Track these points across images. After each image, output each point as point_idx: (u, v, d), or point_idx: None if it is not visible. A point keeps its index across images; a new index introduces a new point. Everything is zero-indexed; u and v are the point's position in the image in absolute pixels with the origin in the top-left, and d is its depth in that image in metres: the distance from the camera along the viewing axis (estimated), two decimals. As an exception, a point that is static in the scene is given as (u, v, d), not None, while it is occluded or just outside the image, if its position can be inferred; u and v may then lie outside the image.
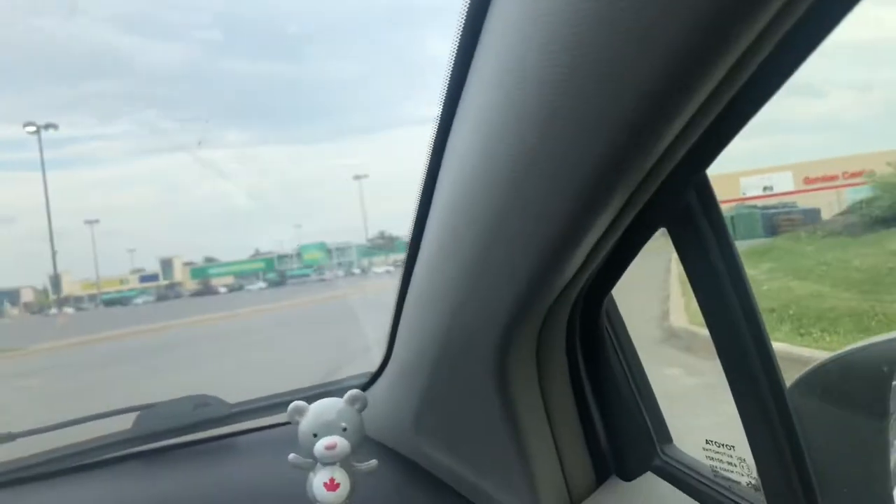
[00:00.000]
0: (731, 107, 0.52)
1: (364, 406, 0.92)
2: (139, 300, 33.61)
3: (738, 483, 0.76)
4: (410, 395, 1.03)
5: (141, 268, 38.02)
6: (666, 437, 0.91)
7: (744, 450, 0.72)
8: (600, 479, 0.93)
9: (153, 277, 37.93)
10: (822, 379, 0.68)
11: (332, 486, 0.88)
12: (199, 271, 39.42)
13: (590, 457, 0.93)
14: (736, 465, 0.75)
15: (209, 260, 39.78)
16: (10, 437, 1.18)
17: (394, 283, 1.03)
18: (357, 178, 33.37)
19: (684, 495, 0.83)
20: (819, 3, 0.43)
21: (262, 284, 33.90)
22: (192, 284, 38.17)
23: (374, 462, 0.93)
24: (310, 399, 0.97)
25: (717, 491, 0.79)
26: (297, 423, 0.91)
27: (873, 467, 0.63)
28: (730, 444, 0.76)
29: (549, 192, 0.62)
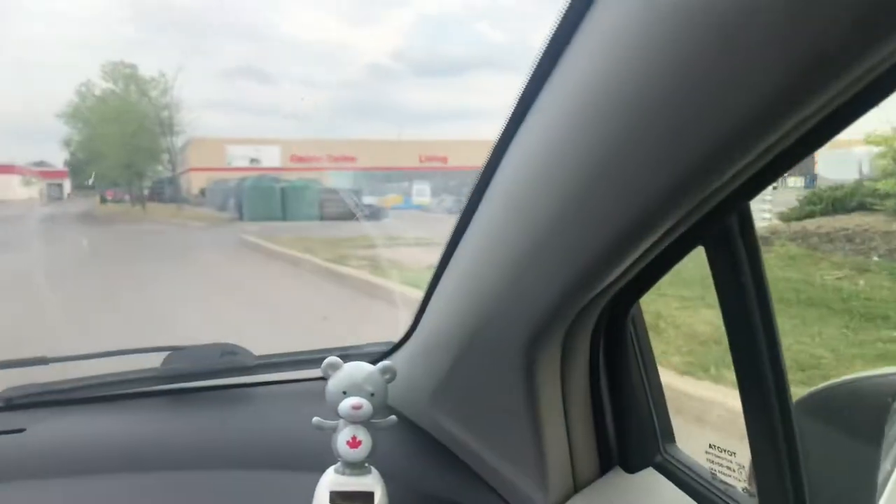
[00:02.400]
0: (800, 141, 0.56)
1: (392, 378, 0.97)
2: None
3: (734, 487, 0.82)
4: (432, 369, 1.07)
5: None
6: (670, 438, 0.98)
7: (743, 457, 0.79)
8: (604, 468, 0.99)
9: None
10: (829, 399, 0.73)
11: (354, 443, 0.93)
12: None
13: (597, 447, 0.99)
14: (734, 471, 0.82)
15: None
16: (44, 361, 1.22)
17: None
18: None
19: (681, 492, 0.90)
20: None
21: None
22: None
23: (393, 418, 0.99)
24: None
25: (712, 492, 0.85)
26: (328, 377, 0.97)
27: (862, 484, 0.69)
28: (731, 451, 0.83)
29: (611, 208, 0.65)
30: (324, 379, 1.00)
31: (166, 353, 1.26)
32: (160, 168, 37.33)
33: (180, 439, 1.17)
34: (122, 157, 29.03)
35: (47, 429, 1.14)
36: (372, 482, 0.94)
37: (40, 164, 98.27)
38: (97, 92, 28.32)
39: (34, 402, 1.20)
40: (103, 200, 61.04)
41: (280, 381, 1.35)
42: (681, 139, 0.56)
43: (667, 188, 0.60)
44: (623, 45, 0.58)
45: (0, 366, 1.22)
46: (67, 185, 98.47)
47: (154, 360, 1.27)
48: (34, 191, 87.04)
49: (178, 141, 29.14)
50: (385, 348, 1.27)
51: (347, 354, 1.13)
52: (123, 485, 1.03)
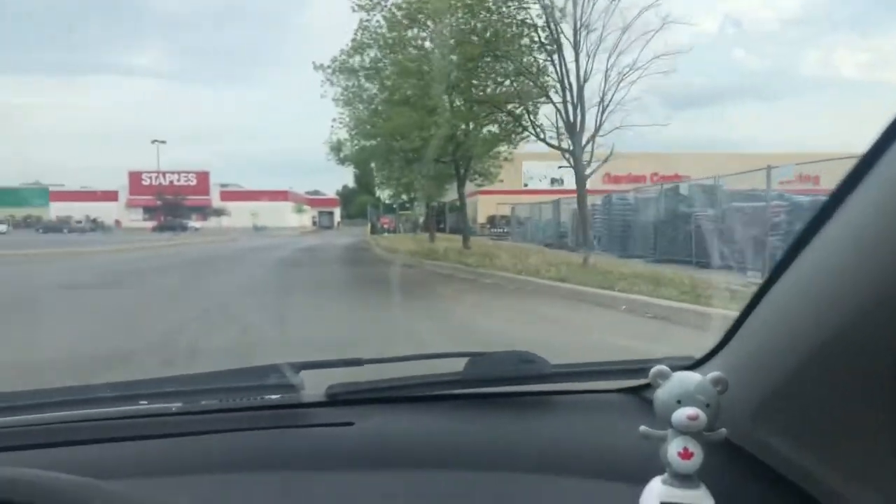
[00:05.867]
0: None
1: (724, 390, 0.92)
2: None
3: None
4: (759, 384, 0.98)
5: None
6: None
7: None
8: None
9: None
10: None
11: (686, 454, 0.89)
12: None
13: None
14: None
15: None
16: (359, 362, 1.33)
17: None
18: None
19: None
20: None
21: None
22: None
23: (723, 431, 0.93)
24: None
25: None
26: (657, 386, 0.93)
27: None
28: None
29: None
30: (620, 392, 1.29)
31: (467, 358, 1.30)
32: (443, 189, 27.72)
33: (486, 441, 1.17)
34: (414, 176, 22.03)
35: (373, 424, 1.20)
36: (703, 496, 0.90)
37: (314, 192, 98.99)
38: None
39: (357, 398, 1.27)
40: (375, 230, 55.77)
41: (576, 392, 1.36)
42: None
43: None
44: None
45: (322, 366, 1.31)
46: (337, 214, 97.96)
47: (455, 365, 1.29)
48: (306, 218, 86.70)
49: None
50: (686, 363, 1.20)
51: (645, 368, 1.05)
52: (442, 479, 1.06)
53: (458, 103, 16.79)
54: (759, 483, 0.99)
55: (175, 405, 1.21)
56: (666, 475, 0.92)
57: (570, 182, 38.47)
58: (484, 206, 42.67)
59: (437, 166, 20.01)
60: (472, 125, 17.45)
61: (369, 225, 57.77)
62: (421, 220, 55.00)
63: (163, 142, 53.02)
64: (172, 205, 54.25)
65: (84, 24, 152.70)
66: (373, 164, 26.59)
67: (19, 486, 0.63)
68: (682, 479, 0.90)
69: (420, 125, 16.46)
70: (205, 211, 68.82)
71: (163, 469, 1.03)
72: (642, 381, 1.26)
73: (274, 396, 1.24)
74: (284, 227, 69.20)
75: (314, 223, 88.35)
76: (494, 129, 17.42)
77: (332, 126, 21.46)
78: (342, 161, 26.12)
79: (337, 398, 1.25)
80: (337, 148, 26.24)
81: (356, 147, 22.41)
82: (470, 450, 1.14)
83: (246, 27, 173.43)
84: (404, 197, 33.46)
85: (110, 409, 1.18)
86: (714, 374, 0.93)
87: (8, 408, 1.16)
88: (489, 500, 1.03)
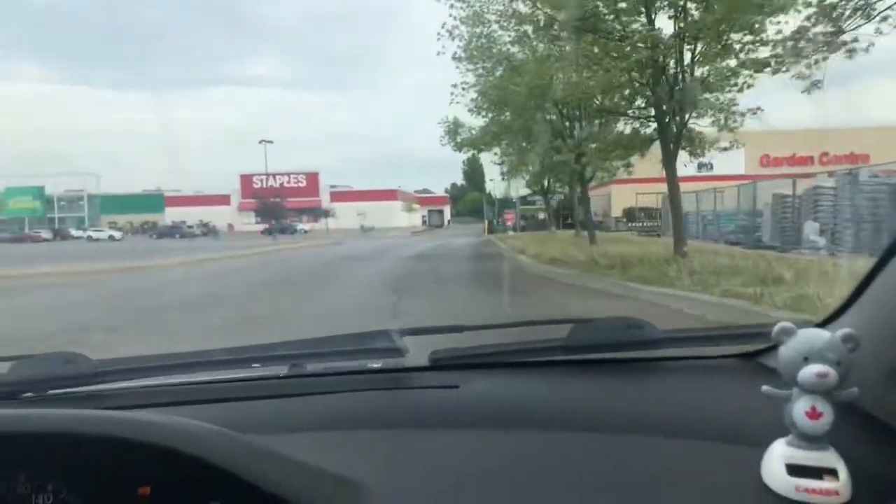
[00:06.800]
0: None
1: (856, 348, 0.85)
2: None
3: None
4: (893, 343, 0.95)
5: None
6: None
7: None
8: None
9: None
10: None
11: (814, 414, 0.84)
12: None
13: None
14: None
15: None
16: (460, 329, 1.34)
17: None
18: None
19: None
20: None
21: None
22: None
23: (854, 390, 0.86)
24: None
25: None
26: (781, 343, 0.88)
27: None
28: None
29: None
30: (734, 357, 1.27)
31: (571, 325, 1.28)
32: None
33: (595, 403, 1.13)
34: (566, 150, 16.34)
35: (476, 387, 1.20)
36: (833, 458, 0.84)
37: (423, 191, 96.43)
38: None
39: (460, 363, 1.28)
40: (493, 229, 51.06)
41: (687, 357, 1.33)
42: None
43: None
44: None
45: (426, 332, 1.33)
46: (447, 212, 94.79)
47: (556, 332, 1.27)
48: (415, 217, 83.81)
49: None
50: (809, 324, 1.10)
51: (761, 333, 1.10)
52: (554, 439, 1.02)
53: (681, 25, 10.61)
54: (891, 450, 0.93)
55: (282, 369, 1.29)
56: (791, 437, 0.86)
57: (720, 167, 31.84)
58: (619, 197, 37.00)
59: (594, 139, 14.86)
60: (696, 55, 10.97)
61: (486, 222, 52.86)
62: (541, 215, 49.73)
63: (270, 141, 51.52)
64: (273, 207, 52.04)
65: (205, 38, 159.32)
66: (496, 150, 21.92)
67: (184, 435, 0.74)
68: (810, 441, 0.85)
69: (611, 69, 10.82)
70: (315, 212, 67.25)
71: (274, 427, 1.03)
72: (758, 347, 1.26)
73: (377, 363, 1.30)
74: (393, 226, 66.47)
75: (423, 222, 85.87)
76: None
77: (453, 95, 16.93)
78: (458, 146, 21.76)
79: (440, 363, 1.27)
80: (453, 130, 21.82)
81: (486, 116, 17.71)
82: (579, 412, 1.10)
83: (356, 31, 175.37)
84: (537, 185, 28.54)
85: (226, 373, 1.30)
86: (845, 330, 0.86)
87: (139, 369, 1.25)
88: (603, 461, 0.96)
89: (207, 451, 0.72)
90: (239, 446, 0.75)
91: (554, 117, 16.39)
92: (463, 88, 16.58)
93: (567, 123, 16.67)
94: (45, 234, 59.33)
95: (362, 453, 0.96)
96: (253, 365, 1.28)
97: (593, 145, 14.36)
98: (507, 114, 16.34)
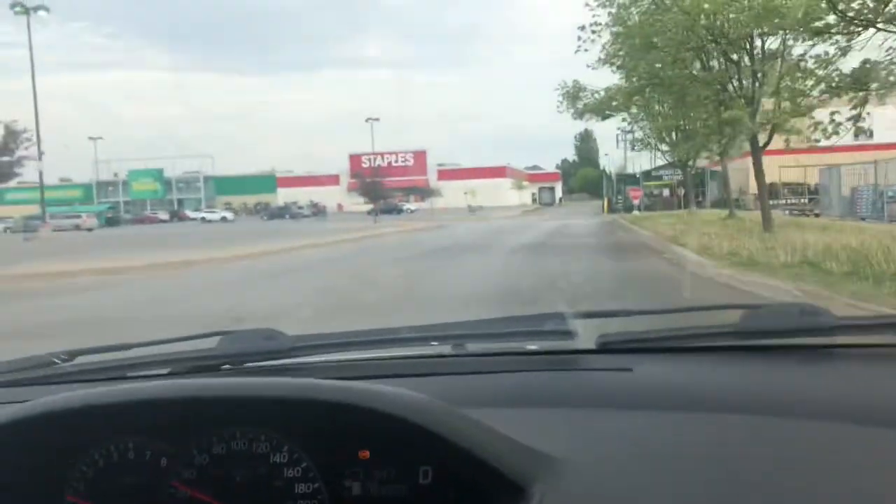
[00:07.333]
0: None
1: None
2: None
3: None
4: None
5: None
6: None
7: None
8: None
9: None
10: None
11: None
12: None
13: None
14: None
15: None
16: (629, 313, 1.39)
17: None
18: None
19: None
20: None
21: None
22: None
23: None
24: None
25: None
26: None
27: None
28: None
29: None
30: None
31: (739, 310, 1.27)
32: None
33: (774, 388, 1.10)
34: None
35: (650, 370, 1.19)
36: None
37: (533, 168, 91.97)
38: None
39: (630, 347, 1.28)
40: (612, 207, 46.82)
41: (868, 345, 1.29)
42: None
43: None
44: None
45: (591, 316, 1.37)
46: (558, 190, 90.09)
47: (724, 318, 1.27)
48: (525, 195, 79.67)
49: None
50: None
51: None
52: (735, 421, 0.99)
53: None
54: None
55: (456, 348, 1.32)
56: None
57: (881, 134, 26.22)
58: (770, 171, 32.12)
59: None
60: None
61: (605, 200, 48.67)
62: (665, 192, 45.01)
63: (376, 119, 50.21)
64: (372, 187, 50.25)
65: (318, 21, 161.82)
66: (631, 111, 18.37)
67: (411, 404, 0.79)
68: None
69: None
70: (422, 192, 65.43)
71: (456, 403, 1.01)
72: None
73: (534, 345, 1.33)
74: (502, 205, 63.50)
75: (534, 199, 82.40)
76: None
77: (580, 41, 13.66)
78: (580, 113, 18.47)
79: (609, 346, 1.26)
80: (573, 95, 18.50)
81: (621, 68, 14.28)
82: (759, 397, 1.07)
83: (467, 8, 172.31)
84: (684, 153, 24.43)
85: (403, 350, 1.37)
86: None
87: (328, 345, 1.34)
88: (792, 447, 0.94)
89: (432, 420, 0.78)
90: (457, 417, 0.80)
91: (721, 63, 12.74)
92: (593, 31, 13.35)
93: (738, 70, 12.75)
94: (163, 215, 61.22)
95: (543, 430, 0.95)
96: (431, 343, 1.34)
97: (782, 96, 10.73)
98: (656, 63, 12.71)
